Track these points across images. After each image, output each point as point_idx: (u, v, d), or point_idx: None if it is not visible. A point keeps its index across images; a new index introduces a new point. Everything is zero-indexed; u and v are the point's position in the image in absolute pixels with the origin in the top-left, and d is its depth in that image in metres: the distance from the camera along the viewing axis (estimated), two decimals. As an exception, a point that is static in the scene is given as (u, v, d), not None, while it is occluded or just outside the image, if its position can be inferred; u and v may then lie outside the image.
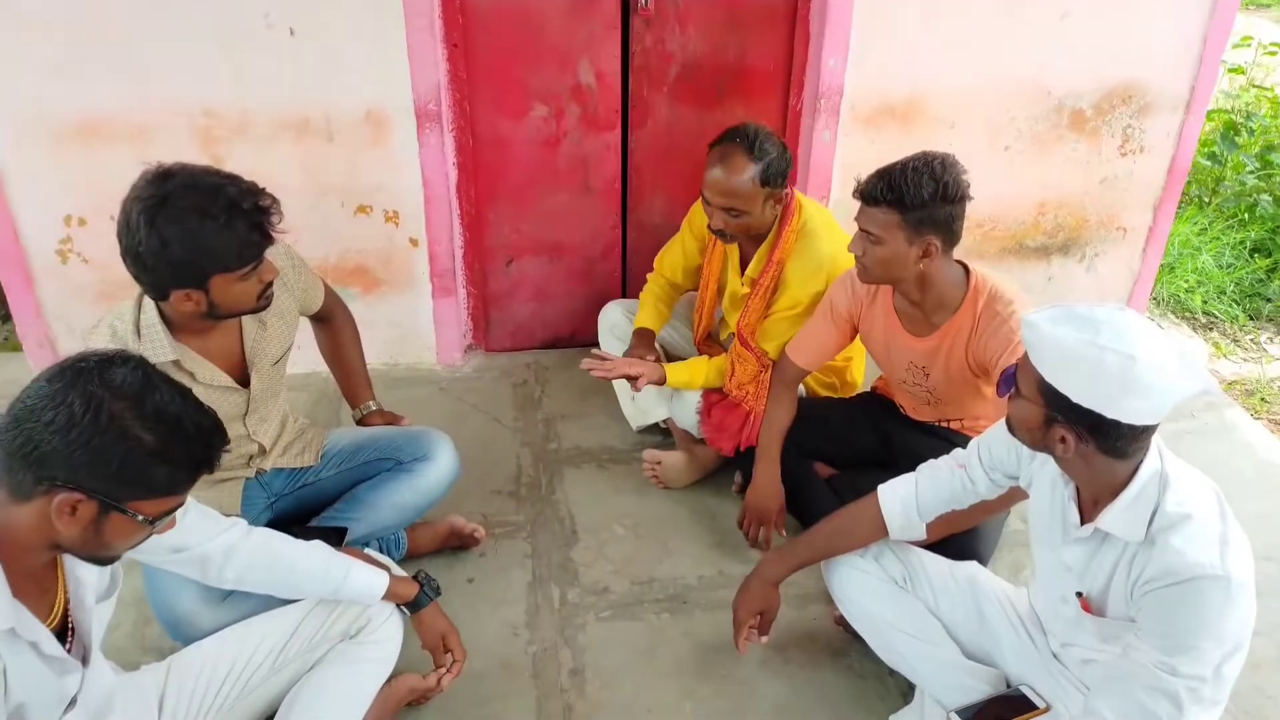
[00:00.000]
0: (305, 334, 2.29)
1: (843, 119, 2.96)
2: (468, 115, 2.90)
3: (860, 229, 2.04)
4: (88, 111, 2.64)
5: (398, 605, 1.87)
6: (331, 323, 2.35)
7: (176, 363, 1.88)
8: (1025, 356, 1.50)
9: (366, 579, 1.81)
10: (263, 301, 1.87)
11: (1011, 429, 1.61)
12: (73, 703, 1.43)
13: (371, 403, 2.38)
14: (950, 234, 2.02)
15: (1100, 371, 1.39)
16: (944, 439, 2.34)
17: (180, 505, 1.34)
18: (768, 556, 2.02)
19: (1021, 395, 1.53)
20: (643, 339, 2.66)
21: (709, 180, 2.30)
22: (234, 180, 1.77)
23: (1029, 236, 3.29)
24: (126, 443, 1.22)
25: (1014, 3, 2.87)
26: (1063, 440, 1.48)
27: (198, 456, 1.30)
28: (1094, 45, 2.98)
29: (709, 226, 2.39)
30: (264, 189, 1.79)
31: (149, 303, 1.86)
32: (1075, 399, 1.42)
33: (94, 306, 2.85)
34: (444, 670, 1.93)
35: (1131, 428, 1.42)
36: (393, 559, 2.28)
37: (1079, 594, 1.66)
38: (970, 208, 2.03)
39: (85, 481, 1.22)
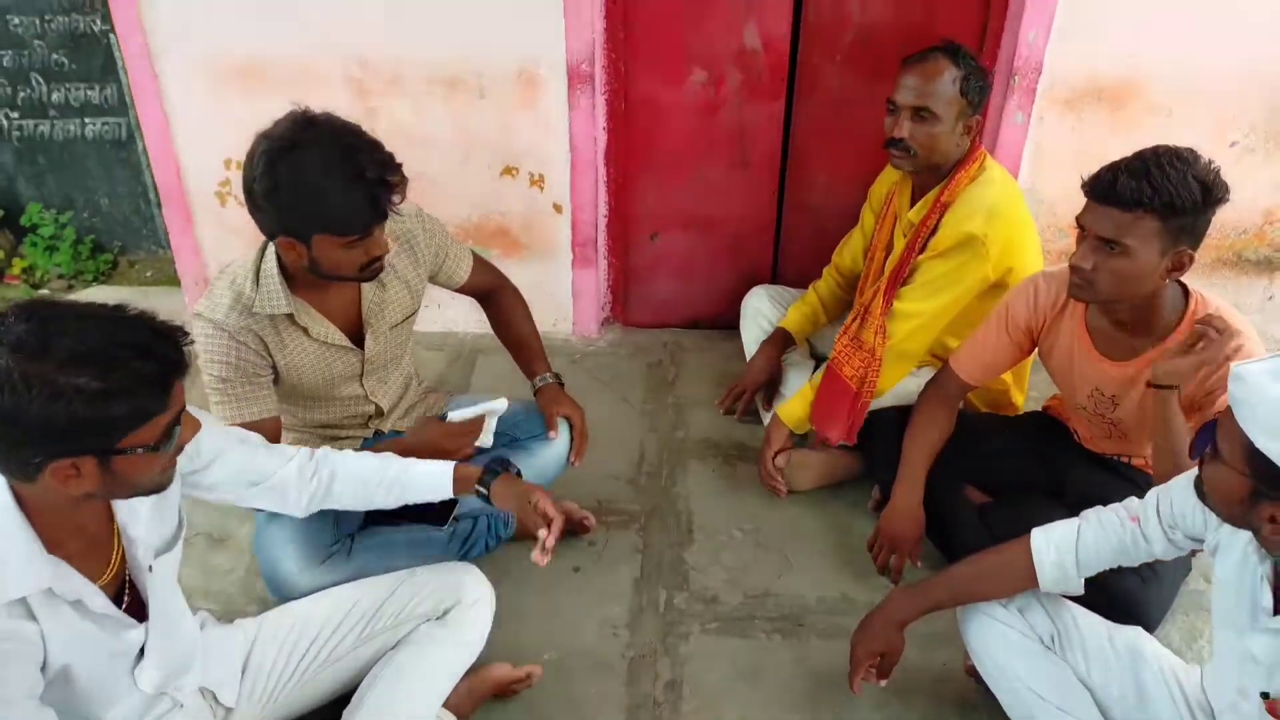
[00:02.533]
0: (444, 294, 2.23)
1: (1039, 100, 2.63)
2: (622, 78, 2.75)
3: (1095, 236, 1.70)
4: (248, 56, 2.67)
5: (478, 493, 1.76)
6: (496, 301, 2.27)
7: (290, 316, 1.84)
8: (1229, 414, 1.23)
9: (429, 467, 1.75)
10: (365, 273, 1.79)
11: (1203, 496, 1.35)
12: (142, 655, 1.41)
13: (547, 375, 2.23)
14: (1199, 244, 1.72)
15: None
16: (1125, 478, 2.04)
17: (177, 412, 1.24)
18: (896, 594, 1.80)
19: (1221, 460, 1.26)
20: (774, 344, 2.54)
21: (901, 80, 2.11)
22: (373, 148, 1.69)
23: (1250, 248, 2.85)
24: (63, 398, 1.11)
25: (1263, -31, 2.45)
26: (1272, 520, 1.22)
27: (149, 373, 1.18)
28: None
29: (889, 139, 2.15)
30: (398, 165, 1.71)
31: (271, 252, 1.83)
32: None
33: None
34: (533, 668, 1.88)
35: None
36: (500, 537, 2.21)
37: (1265, 695, 1.38)
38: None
39: (61, 447, 1.15)
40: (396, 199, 1.71)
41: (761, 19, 2.69)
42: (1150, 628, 1.85)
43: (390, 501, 1.75)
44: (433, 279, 2.12)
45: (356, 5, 2.58)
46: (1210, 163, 1.68)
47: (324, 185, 1.64)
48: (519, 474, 1.83)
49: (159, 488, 1.31)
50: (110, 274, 3.68)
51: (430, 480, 1.74)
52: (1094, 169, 1.70)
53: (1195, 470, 1.40)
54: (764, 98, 2.80)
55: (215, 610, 2.03)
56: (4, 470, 1.20)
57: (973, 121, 2.15)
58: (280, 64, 2.67)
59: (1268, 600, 1.36)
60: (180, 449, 1.30)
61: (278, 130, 1.67)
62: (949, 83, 2.09)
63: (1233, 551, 1.44)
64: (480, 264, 2.20)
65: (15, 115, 3.48)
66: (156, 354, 1.19)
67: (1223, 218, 2.74)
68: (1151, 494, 1.60)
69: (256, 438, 1.67)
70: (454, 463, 1.76)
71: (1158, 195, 1.63)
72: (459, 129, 2.74)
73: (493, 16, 2.57)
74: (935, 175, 2.19)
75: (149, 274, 3.66)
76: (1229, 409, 1.24)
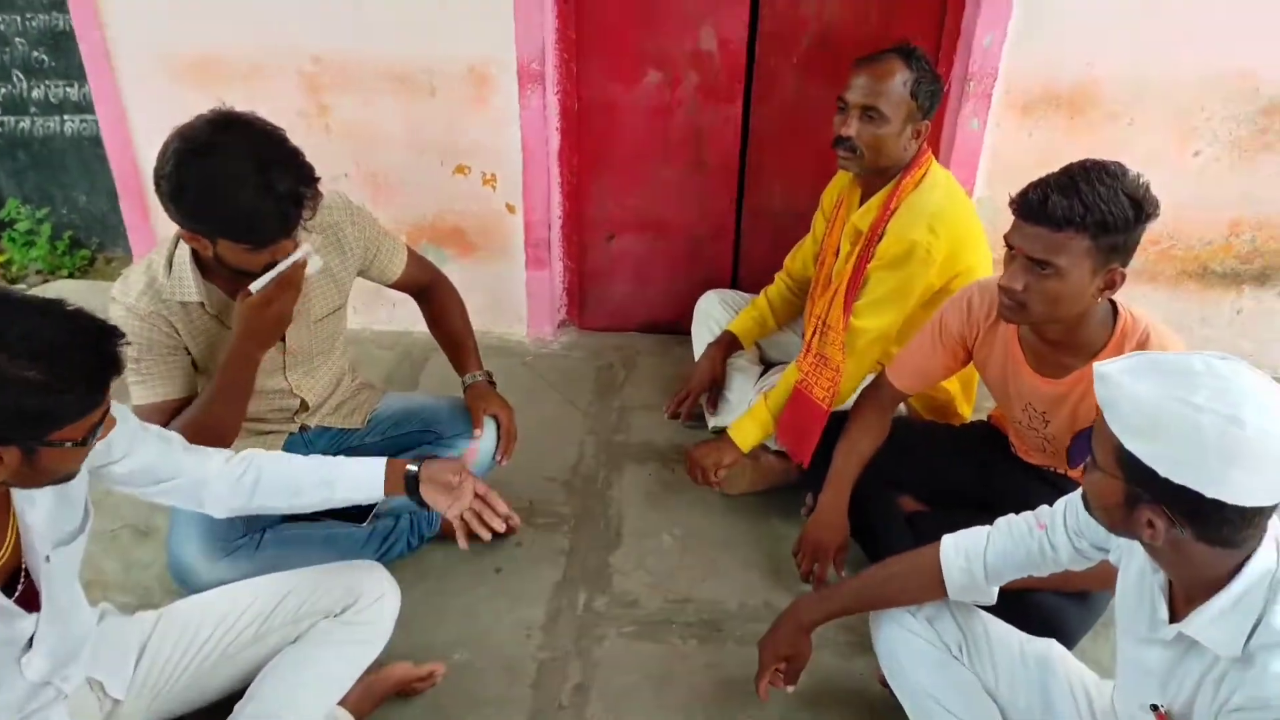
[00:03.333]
0: (400, 294, 2.21)
1: (995, 105, 2.59)
2: (574, 78, 2.74)
3: (1025, 256, 1.64)
4: (204, 51, 2.69)
5: (407, 478, 1.70)
6: (430, 297, 2.25)
7: (201, 305, 1.83)
8: (1101, 419, 1.19)
9: (359, 475, 1.69)
10: None
11: (1088, 507, 1.30)
12: (31, 645, 1.40)
13: (478, 373, 2.21)
14: (1129, 261, 1.66)
15: (1196, 439, 1.08)
16: (1057, 488, 1.98)
17: (105, 410, 1.25)
18: (805, 597, 1.77)
19: (1097, 466, 1.22)
20: (720, 346, 2.51)
21: (853, 79, 2.07)
22: (289, 158, 1.66)
23: (1216, 260, 2.78)
24: (11, 389, 1.13)
25: (1223, -25, 2.40)
26: (1150, 524, 1.17)
27: (93, 370, 1.20)
28: (1325, 33, 2.45)
29: (837, 138, 2.11)
30: (314, 179, 1.68)
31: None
32: (1164, 473, 1.11)
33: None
34: (436, 666, 1.85)
35: (1240, 510, 1.10)
36: (424, 536, 2.20)
37: (1155, 706, 1.33)
38: (1163, 228, 1.66)
39: None
40: (307, 215, 1.69)
41: (717, 20, 2.67)
42: (1070, 642, 1.80)
43: (319, 503, 1.70)
44: (364, 274, 2.10)
45: (309, 2, 2.59)
46: (1139, 177, 1.61)
47: (231, 194, 1.61)
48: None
49: (70, 477, 1.32)
50: (87, 270, 3.71)
51: (361, 478, 1.69)
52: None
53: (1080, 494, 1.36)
54: (721, 100, 2.78)
55: (131, 603, 2.04)
56: None
57: (921, 126, 2.10)
58: (235, 59, 2.69)
59: (1163, 611, 1.31)
60: (89, 450, 1.29)
61: (194, 129, 1.65)
62: (900, 84, 2.05)
63: (1133, 561, 1.40)
64: (415, 259, 2.18)
65: (-3, 111, 3.54)
66: (101, 350, 1.21)
67: (1188, 229, 2.73)
68: (1060, 502, 1.55)
69: (178, 438, 1.64)
70: (385, 459, 1.71)
71: (1089, 213, 1.57)
72: (410, 127, 2.74)
73: (443, 14, 2.58)
74: (882, 178, 2.15)
75: (124, 271, 3.69)
76: (1098, 414, 1.20)
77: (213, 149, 1.62)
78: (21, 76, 3.48)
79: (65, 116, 3.53)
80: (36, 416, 1.17)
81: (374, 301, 2.88)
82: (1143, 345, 1.71)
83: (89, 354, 1.19)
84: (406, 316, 2.97)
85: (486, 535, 1.72)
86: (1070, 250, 1.60)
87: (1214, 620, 1.19)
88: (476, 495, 1.71)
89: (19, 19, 3.39)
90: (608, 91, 2.77)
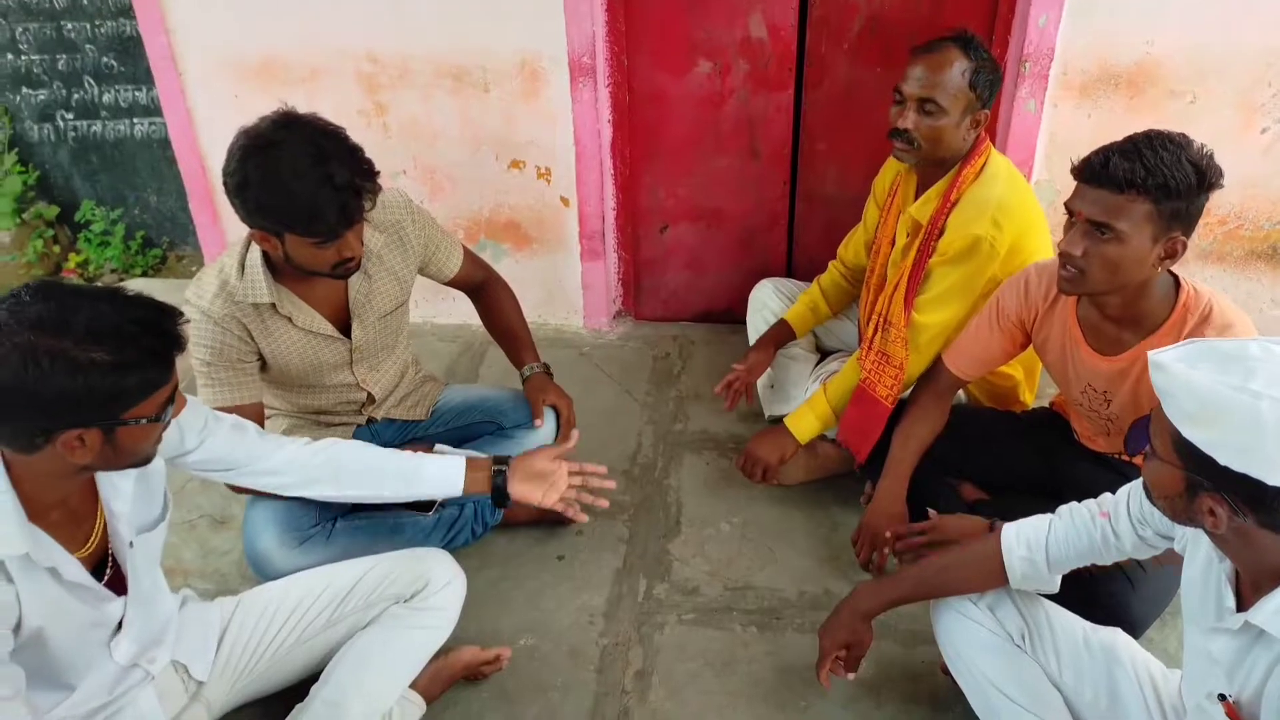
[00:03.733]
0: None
1: (1052, 86, 2.55)
2: (625, 69, 2.76)
3: (1086, 220, 1.62)
4: (266, 54, 2.76)
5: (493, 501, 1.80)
6: (484, 294, 2.30)
7: (273, 305, 1.89)
8: (1159, 407, 1.18)
9: (441, 471, 1.76)
10: (339, 272, 1.83)
11: (1149, 495, 1.29)
12: (120, 628, 1.48)
13: (535, 365, 2.26)
14: (1192, 231, 1.63)
15: (1255, 425, 1.07)
16: (1122, 475, 1.95)
17: (174, 387, 1.33)
18: (862, 586, 1.77)
19: (1156, 455, 1.21)
20: (773, 337, 2.51)
21: (910, 70, 2.04)
22: (349, 154, 1.73)
23: (1286, 239, 2.71)
24: (81, 371, 1.20)
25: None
26: (1211, 512, 1.16)
27: (156, 347, 1.27)
28: (1401, 1, 2.37)
29: (893, 129, 2.08)
30: (374, 172, 1.74)
31: (257, 245, 1.88)
32: (1224, 461, 1.10)
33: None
34: (503, 650, 1.90)
35: None
36: (487, 524, 2.25)
37: (1222, 696, 1.32)
38: (1212, 199, 1.63)
39: (73, 418, 1.22)
40: (367, 205, 1.74)
41: (767, 8, 2.66)
42: (1136, 631, 1.78)
43: (394, 496, 1.77)
44: (422, 271, 2.15)
45: (365, 3, 2.64)
46: (1203, 147, 1.59)
47: (293, 187, 1.67)
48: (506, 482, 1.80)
49: (148, 459, 1.39)
50: (159, 268, 3.84)
51: (441, 479, 1.76)
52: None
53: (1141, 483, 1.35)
54: (772, 88, 2.78)
55: (210, 589, 2.12)
56: (9, 443, 1.26)
57: (980, 116, 2.07)
58: (296, 61, 2.76)
59: (1230, 599, 1.30)
60: (165, 425, 1.36)
61: (257, 128, 1.72)
62: (958, 75, 2.01)
63: (1199, 550, 1.38)
64: (470, 258, 2.23)
65: (70, 116, 3.67)
66: (162, 330, 1.28)
67: (1255, 208, 2.66)
68: (1123, 490, 1.54)
69: (252, 425, 1.72)
70: (465, 459, 1.77)
71: (1151, 176, 1.55)
72: (466, 122, 2.79)
73: (494, 9, 2.61)
74: (940, 169, 2.13)
75: (194, 268, 3.81)
76: (1157, 404, 1.19)
77: (274, 145, 1.69)
78: (92, 82, 3.60)
79: (135, 119, 3.65)
80: (109, 396, 1.23)
81: (434, 296, 2.93)
82: (1205, 319, 1.67)
83: (151, 333, 1.26)
84: (466, 310, 2.99)
85: (583, 516, 1.84)
86: (1131, 214, 1.58)
87: None
88: (572, 474, 1.80)
89: (88, 25, 3.51)
90: (658, 82, 2.79)
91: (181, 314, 1.32)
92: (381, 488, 1.75)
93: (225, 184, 1.74)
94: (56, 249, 3.79)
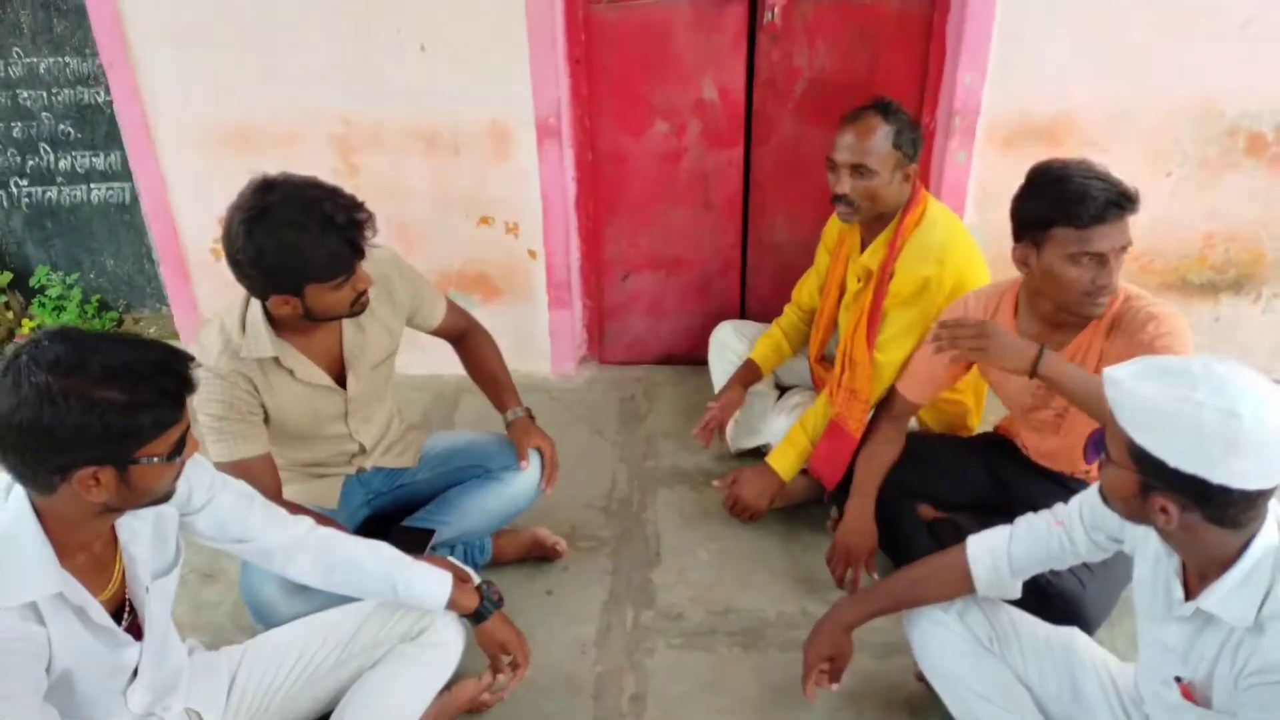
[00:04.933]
0: (429, 338, 2.36)
1: (979, 140, 2.78)
2: (588, 130, 2.93)
3: (1119, 248, 1.85)
4: (240, 120, 2.85)
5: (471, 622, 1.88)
6: (466, 342, 2.39)
7: (276, 359, 1.97)
8: (1113, 418, 1.35)
9: (427, 586, 1.82)
10: (356, 308, 1.94)
11: (1105, 499, 1.45)
12: (135, 675, 1.52)
13: (518, 409, 2.33)
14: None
15: (1199, 431, 1.24)
16: (1067, 489, 2.14)
17: (185, 429, 1.38)
18: (843, 600, 1.91)
19: (1112, 461, 1.38)
20: (741, 378, 2.67)
21: (839, 140, 2.26)
22: (333, 194, 1.83)
23: (1193, 271, 2.98)
24: (96, 409, 1.25)
25: (1181, 8, 2.61)
26: (1164, 510, 1.32)
27: (169, 388, 1.32)
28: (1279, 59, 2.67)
29: (833, 195, 2.29)
30: (361, 203, 1.84)
31: (256, 301, 1.96)
32: (1173, 463, 1.26)
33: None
34: (501, 674, 1.93)
35: (1244, 493, 1.25)
36: (477, 564, 2.32)
37: (1178, 679, 1.48)
38: (1141, 244, 1.90)
39: (88, 455, 1.27)
40: (369, 234, 1.85)
41: (717, 72, 2.86)
42: (1089, 629, 1.94)
43: (379, 596, 1.84)
44: (409, 321, 2.25)
45: (339, 70, 2.77)
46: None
47: (302, 240, 1.77)
48: (498, 601, 1.91)
49: (165, 497, 1.43)
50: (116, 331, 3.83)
51: (426, 594, 1.81)
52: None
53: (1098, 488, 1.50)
54: (724, 145, 2.97)
55: (207, 641, 2.14)
56: (28, 481, 1.31)
57: (909, 170, 2.28)
58: (270, 127, 2.86)
59: (1179, 591, 1.45)
60: (180, 464, 1.41)
61: (245, 201, 1.81)
62: (882, 139, 2.22)
63: (1148, 549, 1.54)
64: (453, 308, 2.34)
65: (24, 183, 3.67)
66: (173, 370, 1.34)
67: (1165, 244, 2.93)
68: (1075, 499, 1.70)
69: (259, 497, 1.75)
70: (450, 585, 1.82)
71: (1130, 201, 1.82)
72: (437, 182, 2.91)
73: (465, 77, 2.76)
74: (882, 222, 2.33)
75: (152, 330, 3.81)
76: (1114, 414, 1.35)
77: (268, 209, 1.78)
78: (49, 148, 3.63)
79: (92, 185, 3.67)
80: (123, 434, 1.28)
81: (405, 347, 2.99)
82: (1128, 303, 1.92)
83: (163, 374, 1.32)
84: (436, 360, 3.11)
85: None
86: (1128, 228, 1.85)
87: (1227, 594, 1.33)
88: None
89: (45, 94, 3.54)
90: (619, 142, 2.96)
91: (192, 358, 1.38)
92: (366, 590, 1.83)
93: (237, 262, 1.82)
94: (10, 315, 3.77)
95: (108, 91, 3.46)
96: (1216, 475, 1.24)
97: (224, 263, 2.97)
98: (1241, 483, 1.24)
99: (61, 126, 3.59)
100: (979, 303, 2.13)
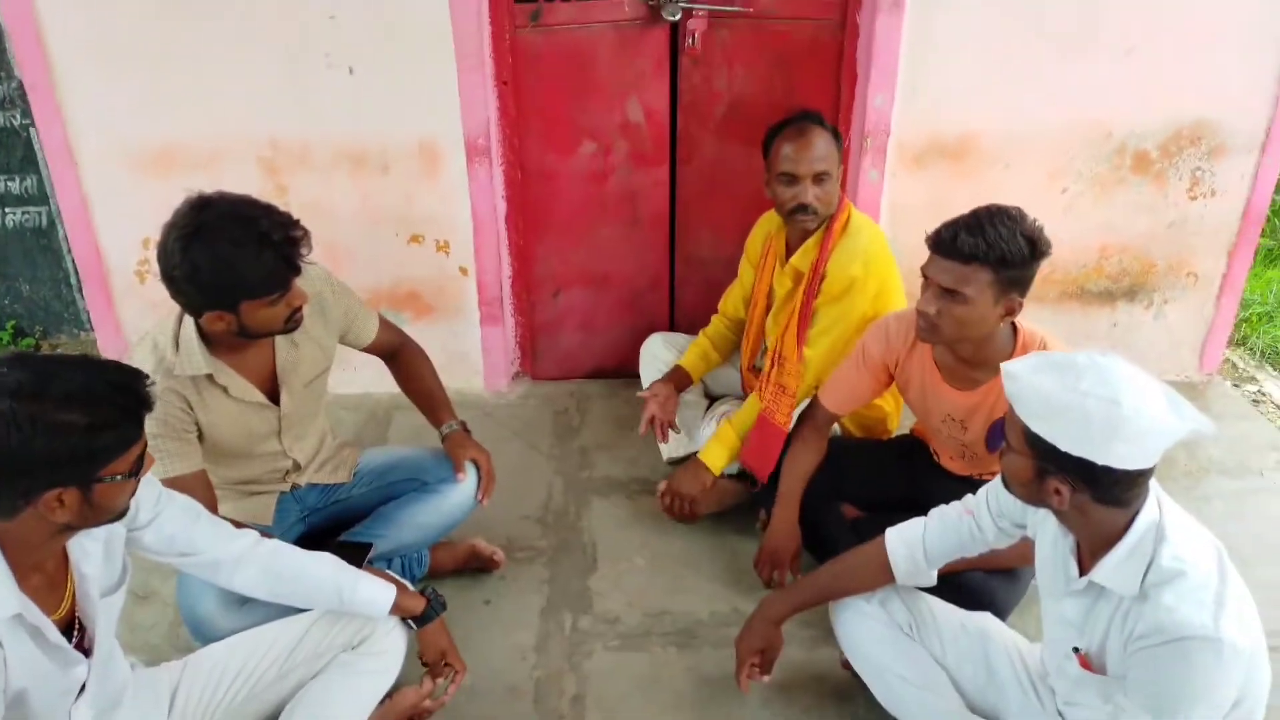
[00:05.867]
0: (361, 357, 2.39)
1: (890, 158, 2.94)
2: (517, 150, 3.00)
3: (938, 286, 1.91)
4: (164, 141, 2.85)
5: (403, 619, 1.93)
6: (400, 358, 2.42)
7: (210, 376, 1.98)
8: (1011, 409, 1.47)
9: (373, 592, 1.86)
10: (290, 324, 1.96)
11: (1007, 485, 1.58)
12: (82, 691, 1.52)
13: (452, 423, 2.37)
14: (1027, 292, 1.95)
15: (1085, 418, 1.37)
16: (975, 488, 2.27)
17: (144, 447, 1.42)
18: (772, 595, 2.00)
19: (1011, 449, 1.51)
20: (671, 377, 2.73)
21: (795, 154, 2.35)
22: (268, 212, 1.86)
23: (1091, 281, 3.18)
24: (60, 433, 1.28)
25: (1073, 38, 2.80)
26: (1057, 491, 1.45)
27: (129, 406, 1.36)
28: (1160, 83, 2.88)
29: (797, 206, 2.38)
30: (297, 220, 1.88)
31: (189, 319, 1.97)
32: (1064, 448, 1.39)
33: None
34: (441, 679, 1.97)
35: (1126, 473, 1.38)
36: (415, 576, 2.35)
37: (1076, 650, 1.60)
38: (1050, 262, 1.96)
39: (52, 478, 1.30)
40: (305, 251, 1.88)
41: (642, 94, 2.97)
42: (1001, 615, 2.07)
43: (325, 606, 1.87)
44: (342, 339, 2.27)
45: (266, 91, 2.79)
46: (1035, 220, 1.91)
47: (238, 257, 1.79)
48: (443, 605, 1.99)
49: (122, 514, 1.45)
50: (31, 357, 3.74)
51: (371, 601, 1.86)
52: (943, 217, 1.93)
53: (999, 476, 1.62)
54: (650, 164, 3.07)
55: (145, 660, 2.13)
56: None
57: (840, 174, 2.44)
58: (195, 147, 2.86)
59: (1074, 569, 1.58)
60: (138, 481, 1.44)
61: (180, 218, 1.82)
62: (831, 145, 2.38)
63: (1047, 532, 1.67)
64: (385, 325, 2.37)
65: (-64, 208, 3.58)
66: (131, 389, 1.37)
67: (1063, 256, 3.12)
68: (982, 490, 1.83)
69: (205, 512, 1.77)
70: (395, 590, 1.88)
71: (991, 250, 1.85)
72: (365, 201, 2.95)
73: (393, 97, 2.81)
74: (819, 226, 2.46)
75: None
76: (1011, 405, 1.47)
77: (203, 227, 1.80)
78: (-38, 174, 3.55)
79: (7, 209, 3.60)
80: (86, 455, 1.32)
81: (336, 365, 3.00)
82: (1043, 349, 2.00)
83: (122, 393, 1.36)
84: (368, 379, 3.15)
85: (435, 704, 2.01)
86: (975, 281, 1.88)
87: (1115, 567, 1.47)
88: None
89: (-40, 118, 3.47)
90: (547, 161, 3.04)
91: (148, 376, 1.41)
92: (313, 600, 1.86)
93: (172, 279, 1.83)
94: (-79, 341, 3.67)
95: (23, 115, 3.42)
96: (1101, 458, 1.36)
97: (149, 285, 3.03)
98: (1123, 463, 1.37)
99: (-25, 151, 3.52)
100: (899, 327, 2.21)
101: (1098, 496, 1.43)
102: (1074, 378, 1.39)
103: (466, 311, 3.14)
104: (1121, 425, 1.35)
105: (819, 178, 2.36)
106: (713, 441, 2.54)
